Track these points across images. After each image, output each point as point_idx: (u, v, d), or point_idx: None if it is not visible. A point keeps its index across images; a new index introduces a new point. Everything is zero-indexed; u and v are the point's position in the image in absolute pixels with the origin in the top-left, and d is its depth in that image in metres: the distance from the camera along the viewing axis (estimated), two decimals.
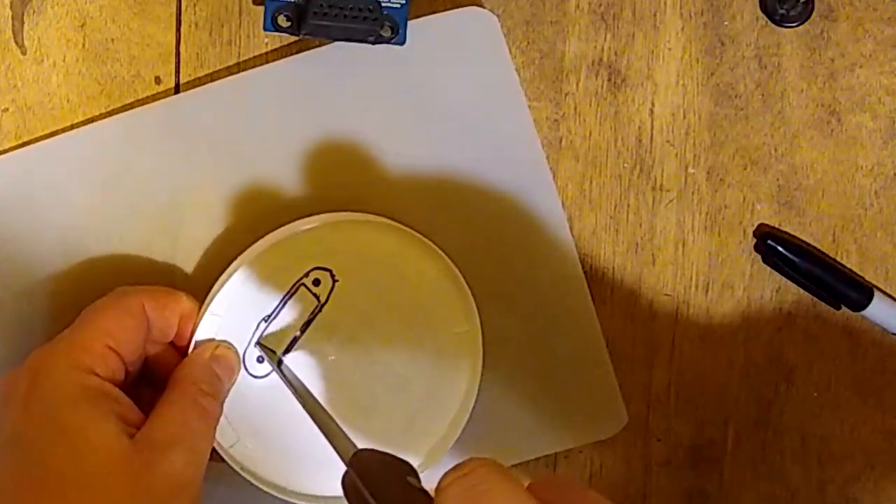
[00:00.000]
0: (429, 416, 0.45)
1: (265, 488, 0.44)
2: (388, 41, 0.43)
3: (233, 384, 0.42)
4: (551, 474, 0.33)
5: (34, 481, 0.36)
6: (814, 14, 0.47)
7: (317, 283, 0.43)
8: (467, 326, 0.45)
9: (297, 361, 0.44)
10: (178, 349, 0.43)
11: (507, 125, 0.45)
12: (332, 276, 0.43)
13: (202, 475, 0.39)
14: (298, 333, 0.44)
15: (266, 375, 0.43)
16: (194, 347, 0.42)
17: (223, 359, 0.42)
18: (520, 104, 0.45)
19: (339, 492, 0.37)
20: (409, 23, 0.43)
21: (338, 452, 0.36)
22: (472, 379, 0.45)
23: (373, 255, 0.44)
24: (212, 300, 0.42)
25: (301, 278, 0.43)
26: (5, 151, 0.43)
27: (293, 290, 0.43)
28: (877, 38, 0.47)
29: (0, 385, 0.39)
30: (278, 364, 0.43)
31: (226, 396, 0.42)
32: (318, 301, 0.43)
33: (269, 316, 0.43)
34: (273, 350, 0.43)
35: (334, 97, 0.44)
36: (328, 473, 0.40)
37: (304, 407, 0.41)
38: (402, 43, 0.43)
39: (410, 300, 0.44)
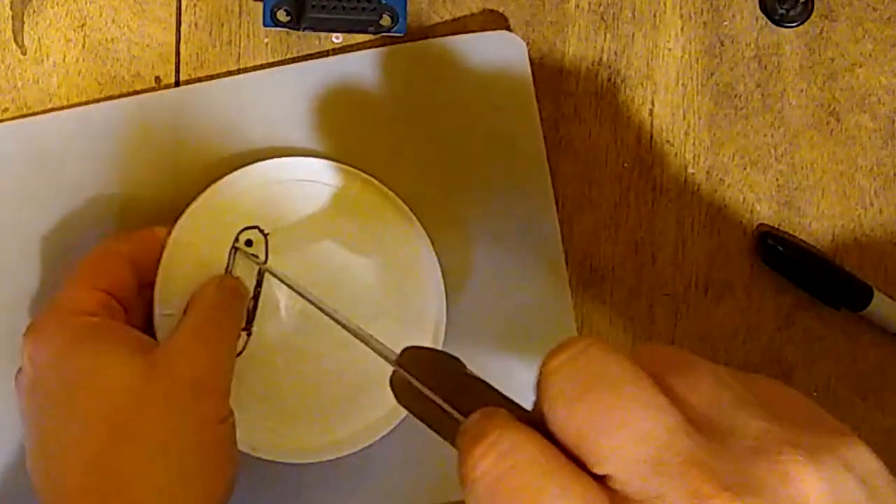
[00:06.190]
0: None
1: (281, 458, 0.43)
2: (388, 31, 0.43)
3: (245, 307, 0.42)
4: (651, 345, 0.29)
5: (70, 436, 0.36)
6: (814, 14, 0.47)
7: (249, 243, 0.43)
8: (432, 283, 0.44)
9: (266, 322, 0.43)
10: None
11: (523, 146, 0.45)
12: (261, 231, 0.43)
13: (228, 391, 0.38)
14: (252, 303, 0.43)
15: (241, 351, 0.42)
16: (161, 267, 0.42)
17: (227, 279, 0.42)
18: (536, 130, 0.45)
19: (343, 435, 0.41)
20: (441, 40, 0.43)
21: (379, 353, 0.34)
22: (437, 334, 0.44)
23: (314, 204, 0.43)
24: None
25: (233, 244, 0.42)
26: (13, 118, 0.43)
27: (231, 259, 0.42)
28: (877, 38, 0.47)
29: (16, 378, 0.39)
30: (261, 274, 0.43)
31: (242, 317, 0.42)
32: (259, 260, 0.43)
33: None
34: (255, 255, 0.43)
35: (361, 105, 0.44)
36: (322, 425, 0.43)
37: (332, 317, 0.38)
38: (402, 32, 0.43)
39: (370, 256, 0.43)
